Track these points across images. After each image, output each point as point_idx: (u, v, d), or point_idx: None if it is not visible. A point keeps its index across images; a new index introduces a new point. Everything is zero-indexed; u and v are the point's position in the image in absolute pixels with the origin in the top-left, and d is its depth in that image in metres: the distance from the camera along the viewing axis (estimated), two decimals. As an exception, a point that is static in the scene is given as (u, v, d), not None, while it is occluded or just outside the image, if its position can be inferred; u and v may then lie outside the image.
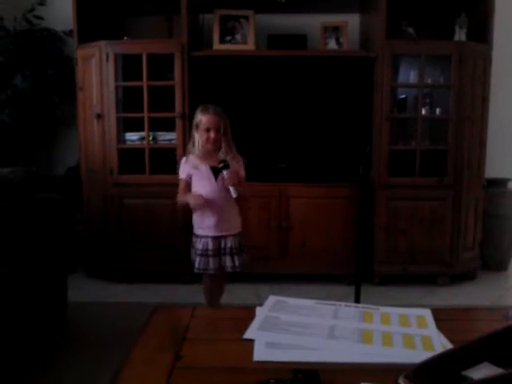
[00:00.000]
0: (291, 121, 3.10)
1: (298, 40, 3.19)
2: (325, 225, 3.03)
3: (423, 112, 3.07)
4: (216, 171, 2.01)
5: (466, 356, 0.85)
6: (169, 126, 3.03)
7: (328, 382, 0.84)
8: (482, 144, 3.12)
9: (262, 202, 3.01)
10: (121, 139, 3.04)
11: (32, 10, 3.32)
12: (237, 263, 2.04)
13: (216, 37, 3.15)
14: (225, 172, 1.97)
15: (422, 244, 3.03)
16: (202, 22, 3.36)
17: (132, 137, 3.06)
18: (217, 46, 3.15)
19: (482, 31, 3.10)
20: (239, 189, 1.99)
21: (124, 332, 1.71)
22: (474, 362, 0.84)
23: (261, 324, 1.10)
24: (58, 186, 3.22)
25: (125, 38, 3.18)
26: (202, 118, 2.01)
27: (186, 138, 2.96)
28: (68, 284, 2.35)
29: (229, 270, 2.04)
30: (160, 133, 3.05)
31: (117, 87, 2.99)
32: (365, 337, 1.04)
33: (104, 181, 3.05)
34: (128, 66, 3.05)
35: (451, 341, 1.02)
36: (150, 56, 2.95)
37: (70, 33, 3.25)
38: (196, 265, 2.05)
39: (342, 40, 3.20)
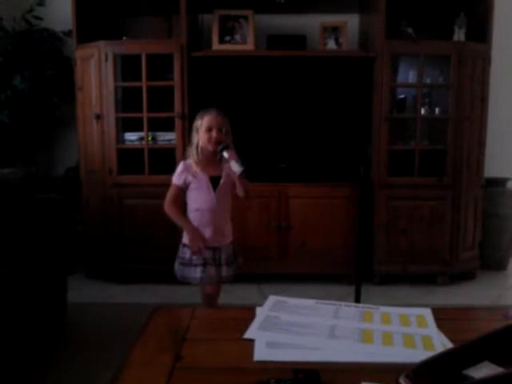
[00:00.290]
0: (291, 121, 3.10)
1: (298, 40, 3.19)
2: (324, 225, 3.03)
3: (422, 112, 3.07)
4: (215, 182, 1.92)
5: (467, 355, 0.85)
6: (168, 126, 3.03)
7: (329, 381, 0.84)
8: (481, 144, 3.12)
9: (261, 202, 3.01)
10: (120, 139, 3.04)
11: (31, 10, 3.31)
12: (231, 272, 1.98)
13: (215, 37, 3.15)
14: (225, 153, 1.85)
15: (421, 243, 3.03)
16: (202, 23, 3.36)
17: (131, 137, 3.05)
18: (216, 46, 3.15)
19: (481, 31, 3.10)
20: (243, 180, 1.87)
21: (124, 333, 1.71)
22: (475, 362, 0.84)
23: (261, 324, 1.10)
24: (57, 187, 3.22)
25: (124, 38, 3.18)
26: (202, 120, 1.92)
27: (186, 138, 2.97)
28: (67, 285, 2.35)
29: (224, 280, 1.98)
30: (159, 133, 3.05)
31: (116, 87, 2.98)
32: (365, 336, 1.04)
33: (103, 181, 3.05)
34: (127, 67, 3.05)
35: (451, 340, 1.02)
36: (150, 56, 2.95)
37: (69, 33, 3.25)
38: (195, 274, 1.93)
39: (341, 40, 3.21)
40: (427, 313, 1.18)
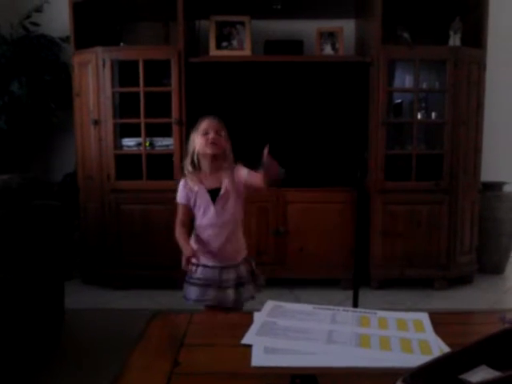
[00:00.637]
0: (288, 126, 3.11)
1: (295, 46, 3.21)
2: (322, 229, 3.03)
3: (419, 117, 3.08)
4: (216, 194, 1.74)
5: (464, 359, 0.85)
6: (166, 131, 3.04)
7: (326, 386, 0.84)
8: (477, 148, 3.14)
9: (259, 207, 3.02)
10: (118, 145, 3.04)
11: (28, 16, 3.33)
12: (243, 295, 1.74)
13: (212, 43, 3.16)
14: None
15: (418, 248, 3.04)
16: (199, 29, 3.38)
17: (129, 143, 3.06)
18: (213, 51, 3.16)
19: (476, 36, 3.13)
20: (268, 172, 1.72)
21: (121, 338, 1.71)
22: (472, 366, 0.84)
23: (259, 329, 1.10)
24: (54, 193, 3.22)
25: (121, 44, 3.19)
26: (198, 126, 1.77)
27: (183, 143, 2.97)
28: (65, 291, 2.34)
29: (229, 305, 1.72)
30: (157, 138, 3.05)
31: (113, 93, 2.99)
32: (363, 341, 1.05)
33: (101, 187, 3.05)
34: (125, 72, 3.05)
35: (449, 344, 1.02)
36: (147, 62, 2.96)
37: (66, 39, 3.26)
38: (192, 296, 1.74)
39: (337, 45, 3.22)
40: (424, 317, 1.18)
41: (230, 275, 1.73)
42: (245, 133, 3.01)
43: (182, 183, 1.80)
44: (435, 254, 3.05)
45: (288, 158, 3.13)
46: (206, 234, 1.75)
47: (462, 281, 3.18)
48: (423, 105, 3.16)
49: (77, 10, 3.06)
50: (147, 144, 3.02)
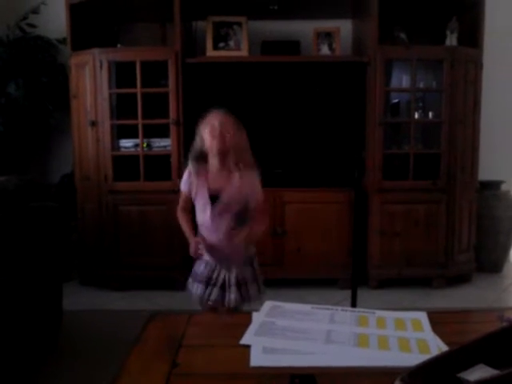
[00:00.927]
0: (285, 126, 3.11)
1: (291, 46, 3.21)
2: (320, 229, 3.03)
3: (416, 116, 3.09)
4: (213, 199, 1.67)
5: (462, 358, 0.85)
6: (163, 132, 3.04)
7: (325, 386, 0.85)
8: (474, 147, 3.15)
9: (257, 208, 3.01)
10: (115, 146, 3.04)
11: (25, 18, 3.32)
12: (249, 294, 1.72)
13: (209, 43, 3.16)
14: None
15: (416, 247, 3.04)
16: (196, 29, 3.38)
17: (126, 144, 3.05)
18: (210, 52, 3.16)
19: (472, 36, 3.14)
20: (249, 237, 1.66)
21: (120, 340, 1.70)
22: (470, 364, 0.85)
23: (257, 329, 1.10)
24: (52, 194, 3.21)
25: (118, 45, 3.19)
26: (205, 121, 1.70)
27: (181, 144, 2.97)
28: (63, 292, 2.34)
29: (232, 304, 1.69)
30: (154, 139, 3.05)
31: (111, 94, 2.99)
32: (361, 341, 1.05)
33: (98, 188, 3.04)
34: (122, 74, 3.05)
35: (447, 343, 1.03)
36: (144, 63, 2.96)
37: (63, 40, 3.26)
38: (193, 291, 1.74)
39: (334, 46, 3.23)
40: (423, 316, 1.19)
41: (231, 275, 1.70)
42: (242, 133, 3.01)
43: (186, 173, 1.74)
44: (433, 253, 3.06)
45: (285, 158, 3.14)
46: (203, 231, 1.73)
47: (460, 279, 3.18)
48: (420, 104, 3.17)
49: (73, 12, 3.05)
50: (145, 145, 3.02)
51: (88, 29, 3.19)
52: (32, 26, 3.33)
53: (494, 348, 0.88)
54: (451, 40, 3.13)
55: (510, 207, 3.39)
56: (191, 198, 1.73)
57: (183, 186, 1.75)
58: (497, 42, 3.34)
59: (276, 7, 3.19)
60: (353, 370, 0.94)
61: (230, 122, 1.69)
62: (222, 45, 3.19)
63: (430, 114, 3.13)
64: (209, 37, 3.16)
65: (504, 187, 3.47)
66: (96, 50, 2.96)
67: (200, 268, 1.74)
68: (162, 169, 3.01)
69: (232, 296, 1.68)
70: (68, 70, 3.11)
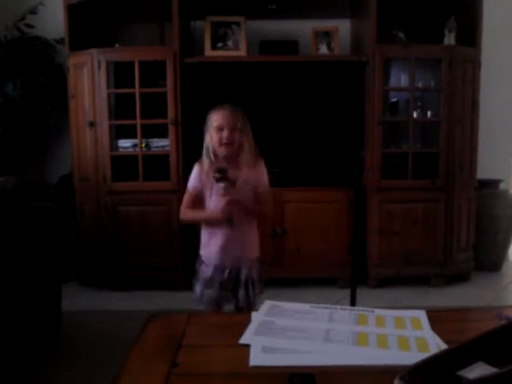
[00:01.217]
0: (284, 126, 3.11)
1: (290, 45, 3.21)
2: (319, 229, 3.03)
3: (415, 115, 3.09)
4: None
5: (461, 356, 0.85)
6: (162, 132, 3.04)
7: (324, 385, 0.84)
8: (473, 146, 3.15)
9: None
10: (114, 146, 3.03)
11: (23, 18, 3.32)
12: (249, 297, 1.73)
13: (208, 43, 3.16)
14: (221, 185, 1.59)
15: (415, 246, 3.05)
16: (194, 29, 3.38)
17: (125, 144, 3.05)
18: (208, 52, 3.16)
19: (470, 35, 3.14)
20: (249, 208, 1.67)
21: (119, 340, 1.70)
22: (469, 362, 0.85)
23: (256, 329, 1.10)
24: (50, 195, 3.21)
25: (116, 45, 3.19)
26: (213, 117, 1.68)
27: (179, 144, 2.97)
28: (62, 293, 2.33)
29: (242, 305, 1.71)
30: (153, 139, 3.05)
31: (109, 94, 2.98)
32: (360, 339, 1.05)
33: (97, 189, 3.04)
34: (120, 74, 3.05)
35: (446, 341, 1.03)
36: (142, 63, 2.95)
37: (61, 41, 3.25)
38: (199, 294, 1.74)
39: (333, 45, 3.23)
40: (422, 315, 1.19)
41: (241, 275, 1.71)
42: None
43: (196, 169, 1.72)
44: (432, 251, 3.06)
45: (284, 158, 3.14)
46: (212, 233, 1.72)
47: (459, 278, 3.19)
48: (419, 103, 3.17)
49: (71, 12, 3.05)
50: (143, 145, 3.02)
51: (86, 29, 3.19)
52: (30, 26, 3.33)
53: (493, 346, 0.89)
54: (449, 39, 3.13)
55: (509, 206, 3.39)
56: (201, 196, 1.71)
57: (193, 182, 1.72)
58: (495, 41, 3.35)
59: (274, 7, 3.20)
60: (352, 369, 0.94)
61: (236, 118, 1.70)
62: (220, 45, 3.19)
63: (429, 113, 3.13)
64: (207, 36, 3.16)
65: (502, 186, 3.47)
66: (94, 50, 2.96)
67: (207, 270, 1.74)
68: (161, 169, 3.00)
69: (241, 296, 1.71)
70: (66, 70, 3.11)
